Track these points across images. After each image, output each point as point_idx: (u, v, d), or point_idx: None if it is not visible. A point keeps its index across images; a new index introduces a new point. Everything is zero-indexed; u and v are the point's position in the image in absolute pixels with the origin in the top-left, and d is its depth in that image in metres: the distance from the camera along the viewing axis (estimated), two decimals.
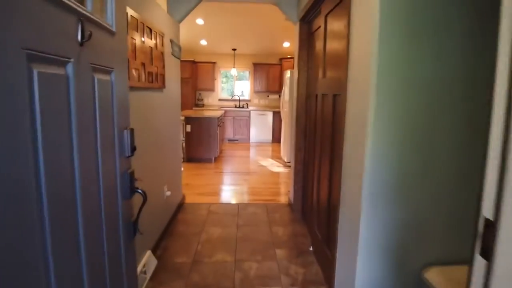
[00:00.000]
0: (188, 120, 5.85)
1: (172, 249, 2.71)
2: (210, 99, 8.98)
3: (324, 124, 2.45)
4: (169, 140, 3.07)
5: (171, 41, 3.00)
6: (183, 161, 5.97)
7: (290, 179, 3.84)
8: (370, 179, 1.48)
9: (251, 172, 5.37)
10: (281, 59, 8.54)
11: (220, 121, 6.52)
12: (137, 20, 2.08)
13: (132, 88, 1.97)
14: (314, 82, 2.97)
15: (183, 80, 8.67)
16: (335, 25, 2.13)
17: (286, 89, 5.89)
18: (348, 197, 1.73)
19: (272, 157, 6.66)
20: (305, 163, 3.39)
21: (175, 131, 3.39)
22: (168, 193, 2.96)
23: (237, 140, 8.54)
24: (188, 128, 5.88)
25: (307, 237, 2.98)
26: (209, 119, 5.85)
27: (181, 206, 3.64)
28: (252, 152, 7.28)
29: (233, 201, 3.98)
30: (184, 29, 7.14)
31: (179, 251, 2.68)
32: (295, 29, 3.57)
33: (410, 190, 1.50)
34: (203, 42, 7.96)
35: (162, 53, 2.68)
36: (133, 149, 1.16)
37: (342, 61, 1.88)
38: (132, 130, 1.14)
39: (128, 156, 1.15)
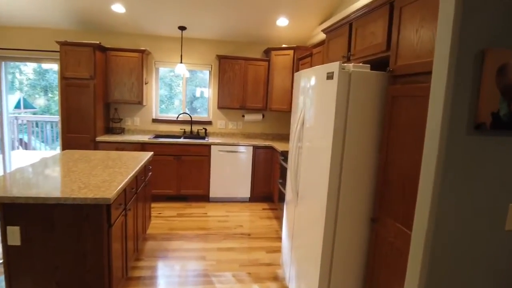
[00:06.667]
0: (10, 211, 1.83)
1: None
2: (138, 120, 4.93)
3: None
4: None
5: None
6: None
7: None
8: None
9: None
10: (268, 50, 4.73)
11: (138, 186, 2.57)
12: None
13: None
14: None
15: (79, 85, 4.07)
16: None
17: (307, 107, 2.11)
18: None
19: (261, 277, 2.80)
20: None
21: None
22: None
23: (185, 199, 4.57)
24: (15, 236, 1.86)
25: None
26: (82, 208, 1.88)
27: None
28: (211, 246, 3.36)
29: None
30: None
31: None
32: None
33: None
34: (119, 9, 3.95)
35: None
36: None
37: None
38: None
39: None
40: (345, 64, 1.78)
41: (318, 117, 2.01)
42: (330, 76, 1.84)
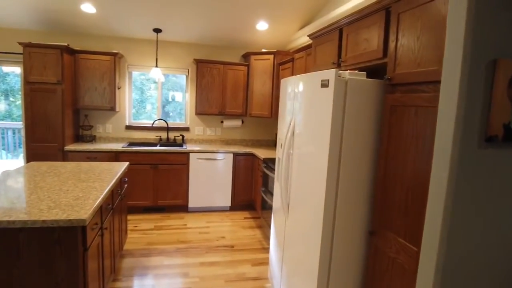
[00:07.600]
0: None
1: None
2: (110, 127, 4.65)
3: None
4: None
5: None
6: None
7: None
8: None
9: None
10: (248, 55, 4.63)
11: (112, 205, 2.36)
12: None
13: None
14: None
15: (45, 90, 3.72)
16: None
17: (297, 115, 2.02)
18: None
19: None
20: None
21: None
22: None
23: (163, 210, 4.35)
24: None
25: None
26: (54, 231, 1.65)
27: None
28: (193, 261, 3.18)
29: None
30: None
31: None
32: None
33: None
34: (89, 9, 3.69)
35: None
36: None
37: None
38: None
39: None
40: (340, 72, 1.71)
41: (312, 126, 1.91)
42: (325, 84, 1.75)
